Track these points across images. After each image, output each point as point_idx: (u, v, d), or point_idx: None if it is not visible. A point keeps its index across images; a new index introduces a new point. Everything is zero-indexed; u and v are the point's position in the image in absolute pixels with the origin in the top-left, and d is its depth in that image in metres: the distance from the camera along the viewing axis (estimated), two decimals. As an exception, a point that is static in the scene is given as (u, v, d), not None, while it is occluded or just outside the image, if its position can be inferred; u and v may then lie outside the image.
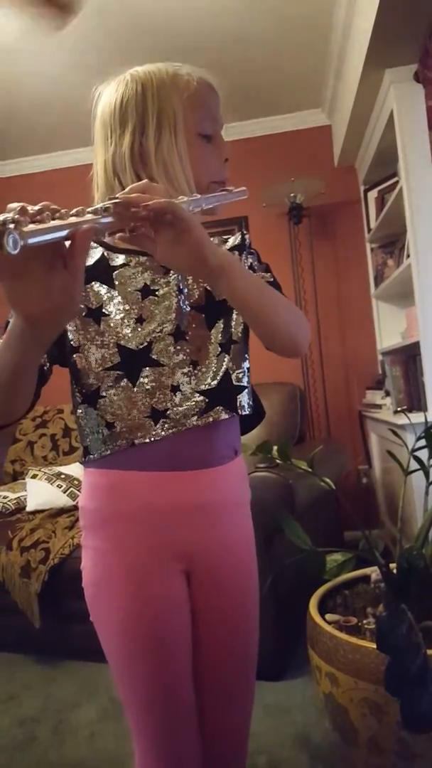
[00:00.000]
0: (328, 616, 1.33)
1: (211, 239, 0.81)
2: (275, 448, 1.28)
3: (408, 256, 2.29)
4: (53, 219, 0.53)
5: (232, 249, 0.92)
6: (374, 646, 1.07)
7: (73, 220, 0.55)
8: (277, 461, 1.29)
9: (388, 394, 2.59)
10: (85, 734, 1.67)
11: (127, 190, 0.65)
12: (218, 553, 0.86)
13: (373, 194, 2.99)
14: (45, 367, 0.79)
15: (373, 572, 1.39)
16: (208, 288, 0.87)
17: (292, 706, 1.68)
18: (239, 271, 0.73)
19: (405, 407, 2.32)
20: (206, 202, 0.75)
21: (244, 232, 0.95)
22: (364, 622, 1.29)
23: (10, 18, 1.96)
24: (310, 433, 3.02)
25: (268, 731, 1.57)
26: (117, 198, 0.62)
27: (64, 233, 0.53)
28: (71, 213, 0.56)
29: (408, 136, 2.22)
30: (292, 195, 2.97)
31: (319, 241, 3.20)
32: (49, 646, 2.14)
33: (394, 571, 1.24)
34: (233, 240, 0.93)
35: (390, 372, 2.47)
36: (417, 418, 2.04)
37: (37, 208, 0.53)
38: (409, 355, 2.39)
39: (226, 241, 0.94)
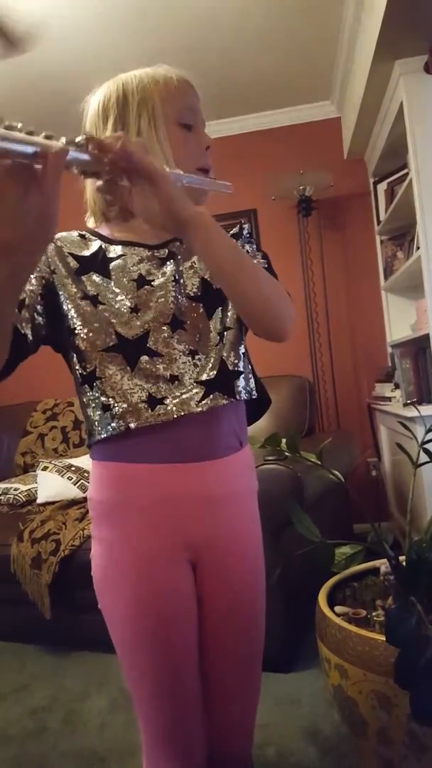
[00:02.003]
0: (337, 609, 1.33)
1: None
2: (284, 440, 1.28)
3: (418, 248, 2.28)
4: (23, 134, 0.54)
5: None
6: (383, 638, 1.07)
7: (43, 140, 0.55)
8: (286, 454, 1.29)
9: (397, 386, 2.58)
10: (96, 724, 1.68)
11: (105, 138, 0.66)
12: (224, 544, 0.87)
13: (382, 186, 2.97)
14: (28, 338, 0.77)
15: (383, 564, 1.39)
16: (205, 277, 0.87)
17: (301, 698, 1.69)
18: (215, 229, 0.73)
19: (415, 400, 2.31)
20: (186, 180, 0.76)
21: (243, 222, 0.95)
22: (374, 614, 1.29)
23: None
24: (320, 425, 3.02)
25: (277, 723, 1.58)
26: (84, 136, 0.63)
27: (32, 149, 0.53)
28: (42, 135, 0.56)
29: (418, 127, 2.21)
30: (301, 187, 2.96)
31: (329, 233, 3.18)
32: (59, 637, 2.16)
33: (404, 563, 1.24)
34: (232, 231, 0.94)
35: (399, 364, 2.45)
36: (427, 410, 2.04)
37: (11, 123, 0.53)
38: (419, 347, 2.38)
39: (228, 230, 0.93)
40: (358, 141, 2.95)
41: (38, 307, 0.81)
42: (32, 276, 0.81)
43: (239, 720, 0.93)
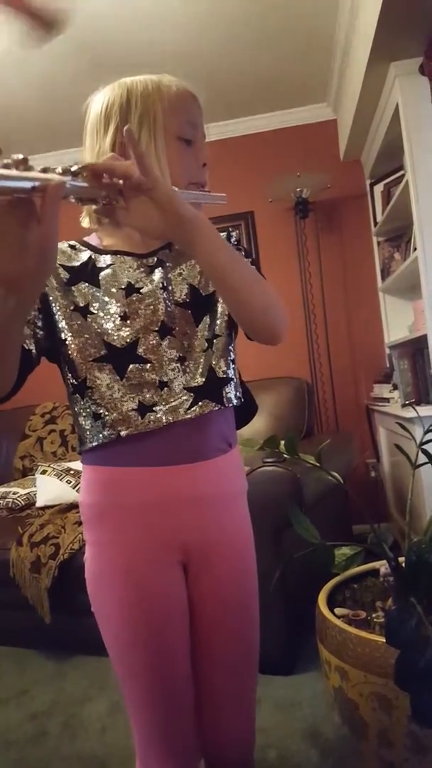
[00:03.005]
0: (337, 610, 1.33)
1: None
2: (282, 442, 1.28)
3: (415, 249, 2.28)
4: (19, 170, 0.54)
5: None
6: (383, 640, 1.07)
7: (40, 174, 0.56)
8: (285, 455, 1.29)
9: (395, 387, 2.58)
10: (96, 728, 1.68)
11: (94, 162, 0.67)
12: (214, 545, 0.88)
13: (379, 188, 2.98)
14: (32, 354, 0.81)
15: (382, 566, 1.39)
16: (194, 285, 0.88)
17: (301, 701, 1.68)
18: (214, 233, 0.74)
19: (413, 400, 2.31)
20: (184, 197, 0.76)
21: (230, 229, 0.95)
22: (374, 615, 1.29)
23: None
24: (318, 427, 3.02)
25: (277, 725, 1.58)
26: (82, 164, 0.64)
27: (30, 184, 0.54)
28: (38, 169, 0.57)
29: (414, 129, 2.21)
30: (298, 190, 2.96)
31: (326, 235, 3.19)
32: (59, 641, 2.15)
33: (403, 564, 1.24)
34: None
35: (398, 365, 2.46)
36: (425, 411, 2.04)
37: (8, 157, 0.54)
38: (417, 348, 2.38)
39: None
40: (354, 143, 2.95)
41: (38, 321, 0.83)
42: None
43: (234, 723, 0.93)
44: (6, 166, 0.53)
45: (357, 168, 3.18)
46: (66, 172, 0.60)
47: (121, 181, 0.66)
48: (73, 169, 0.62)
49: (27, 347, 0.80)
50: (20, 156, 0.55)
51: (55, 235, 0.57)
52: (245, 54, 2.62)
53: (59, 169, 0.59)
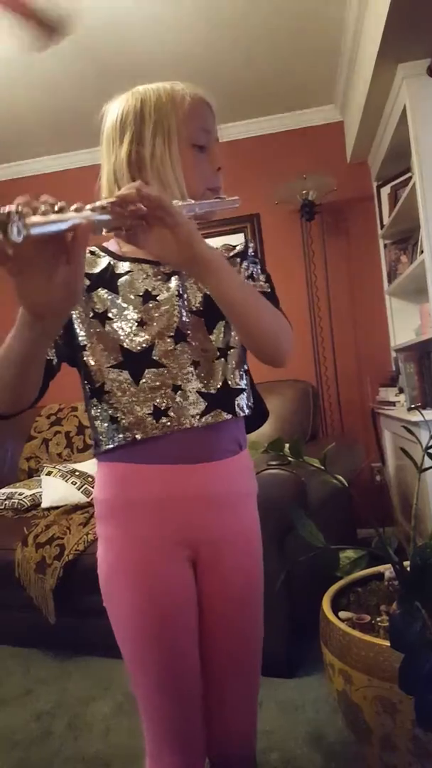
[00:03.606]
0: (341, 614, 1.33)
1: (218, 247, 0.89)
2: (287, 445, 1.28)
3: (422, 251, 2.27)
4: (54, 213, 0.57)
5: (234, 256, 0.96)
6: (388, 643, 1.07)
7: (72, 215, 0.59)
8: (290, 459, 1.29)
9: (401, 391, 2.58)
10: (100, 729, 1.68)
11: (123, 189, 0.69)
12: (222, 543, 0.90)
13: (386, 190, 2.97)
14: (53, 362, 0.84)
15: (387, 570, 1.39)
16: (209, 293, 0.90)
17: (305, 704, 1.68)
18: (227, 270, 0.77)
19: (419, 404, 2.31)
20: (199, 208, 0.79)
21: (249, 240, 0.99)
22: (378, 619, 1.29)
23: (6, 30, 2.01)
24: (323, 430, 3.01)
25: (281, 728, 1.58)
26: (113, 198, 0.67)
27: (65, 226, 0.57)
28: (72, 208, 0.60)
29: (421, 131, 2.21)
30: (304, 192, 2.96)
31: (332, 237, 3.18)
32: (64, 642, 2.16)
33: (408, 568, 1.24)
34: (237, 248, 0.98)
35: (404, 369, 2.45)
36: (431, 415, 2.03)
37: (42, 201, 0.57)
38: (423, 351, 2.38)
39: (233, 248, 0.98)
40: (361, 145, 2.95)
41: (60, 331, 0.85)
42: None
43: (238, 720, 0.94)
44: (45, 213, 0.56)
45: (364, 170, 3.17)
46: (95, 208, 0.63)
47: (145, 208, 0.68)
48: (102, 204, 0.65)
49: (48, 357, 0.82)
50: (53, 201, 0.58)
51: (81, 271, 0.61)
52: (252, 56, 2.62)
53: (88, 207, 0.62)
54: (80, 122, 2.75)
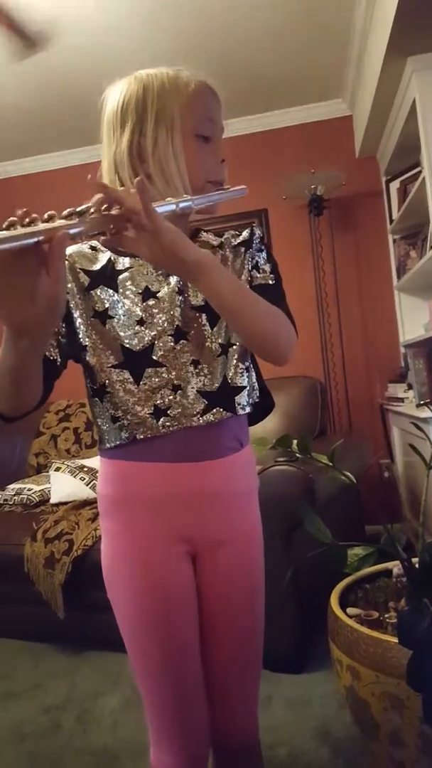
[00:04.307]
0: (349, 610, 1.33)
1: (225, 234, 0.89)
2: (295, 441, 1.28)
3: (431, 247, 2.26)
4: (22, 226, 0.56)
5: (239, 244, 0.93)
6: (396, 640, 1.07)
7: (43, 226, 0.58)
8: (298, 455, 1.29)
9: (410, 387, 2.56)
10: (108, 723, 1.69)
11: (95, 199, 0.66)
12: (222, 540, 0.90)
13: (395, 185, 2.95)
14: (57, 362, 0.83)
15: (395, 566, 1.38)
16: None
17: (313, 699, 1.68)
18: (218, 272, 0.75)
19: (428, 400, 2.29)
20: (198, 202, 0.76)
21: (254, 228, 0.96)
22: (386, 616, 1.29)
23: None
24: (331, 426, 3.00)
25: (288, 724, 1.58)
26: (87, 204, 0.65)
27: (33, 240, 0.56)
28: (43, 219, 0.59)
29: (431, 125, 2.19)
30: (312, 187, 2.95)
31: (340, 233, 3.17)
32: (73, 636, 2.17)
33: (417, 565, 1.23)
34: (244, 235, 0.95)
35: (413, 365, 2.44)
36: (440, 411, 2.02)
37: (14, 215, 0.56)
38: (432, 347, 2.36)
39: (239, 235, 0.95)
40: (370, 139, 2.93)
41: (62, 330, 0.85)
42: None
43: (240, 708, 0.95)
44: (11, 225, 0.55)
45: (372, 165, 3.15)
46: (72, 214, 0.61)
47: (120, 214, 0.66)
48: (79, 209, 0.63)
49: (51, 357, 0.82)
50: (24, 211, 0.57)
51: (62, 282, 0.60)
52: (259, 49, 2.61)
53: (62, 215, 0.61)
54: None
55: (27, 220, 0.57)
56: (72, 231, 0.60)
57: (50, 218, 0.59)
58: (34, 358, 0.70)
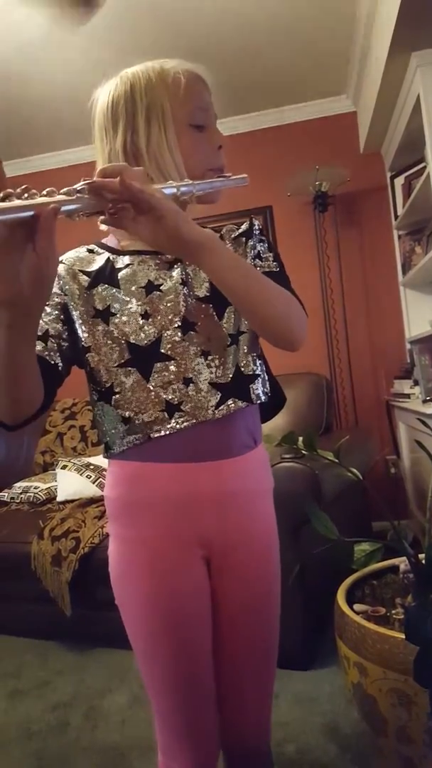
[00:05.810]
0: (356, 606, 1.32)
1: (223, 228, 0.87)
2: (301, 438, 1.28)
3: (436, 242, 2.25)
4: (20, 198, 0.56)
5: (239, 235, 0.92)
6: (403, 636, 1.06)
7: (41, 200, 0.57)
8: (304, 452, 1.29)
9: (416, 383, 2.56)
10: (116, 720, 1.70)
11: (99, 171, 0.65)
12: (237, 541, 0.87)
13: (399, 180, 2.94)
14: (59, 367, 0.82)
15: (402, 563, 1.38)
16: None
17: (320, 696, 1.68)
18: (223, 251, 0.74)
19: (434, 396, 2.28)
20: (200, 188, 0.75)
21: (253, 218, 0.94)
22: (393, 612, 1.29)
23: (32, 16, 1.98)
24: (337, 423, 3.00)
25: (296, 720, 1.58)
26: (90, 180, 0.63)
27: (29, 213, 0.55)
28: (42, 194, 0.58)
29: (435, 120, 2.18)
30: (317, 183, 2.94)
31: (345, 229, 3.16)
32: (80, 634, 2.18)
33: (423, 561, 1.23)
34: (243, 227, 0.93)
35: (419, 361, 2.43)
36: (446, 407, 2.01)
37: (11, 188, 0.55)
38: (438, 343, 2.35)
39: (238, 228, 0.94)
40: (374, 135, 2.92)
41: (63, 334, 0.84)
42: (47, 305, 0.84)
43: (253, 713, 0.94)
44: (7, 195, 0.55)
45: (377, 160, 3.14)
46: (71, 191, 0.61)
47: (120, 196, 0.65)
48: (77, 187, 0.62)
49: (52, 362, 0.81)
50: (24, 187, 0.57)
51: (52, 261, 0.59)
52: (263, 46, 2.60)
53: (62, 191, 0.60)
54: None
55: (25, 195, 0.56)
56: (66, 207, 0.60)
57: (50, 194, 0.58)
58: (24, 342, 0.68)
